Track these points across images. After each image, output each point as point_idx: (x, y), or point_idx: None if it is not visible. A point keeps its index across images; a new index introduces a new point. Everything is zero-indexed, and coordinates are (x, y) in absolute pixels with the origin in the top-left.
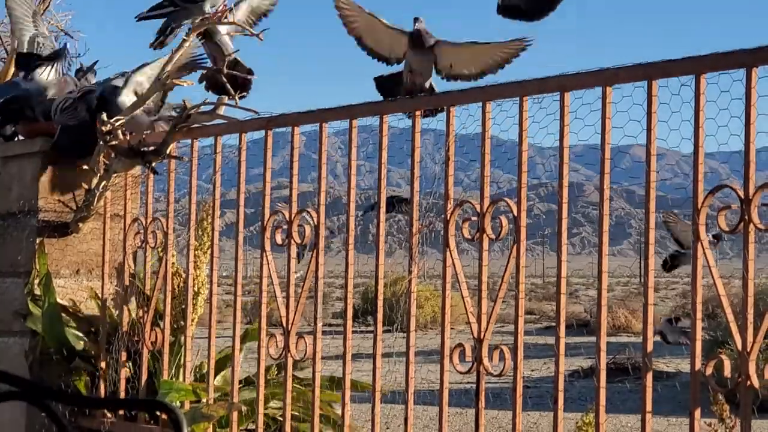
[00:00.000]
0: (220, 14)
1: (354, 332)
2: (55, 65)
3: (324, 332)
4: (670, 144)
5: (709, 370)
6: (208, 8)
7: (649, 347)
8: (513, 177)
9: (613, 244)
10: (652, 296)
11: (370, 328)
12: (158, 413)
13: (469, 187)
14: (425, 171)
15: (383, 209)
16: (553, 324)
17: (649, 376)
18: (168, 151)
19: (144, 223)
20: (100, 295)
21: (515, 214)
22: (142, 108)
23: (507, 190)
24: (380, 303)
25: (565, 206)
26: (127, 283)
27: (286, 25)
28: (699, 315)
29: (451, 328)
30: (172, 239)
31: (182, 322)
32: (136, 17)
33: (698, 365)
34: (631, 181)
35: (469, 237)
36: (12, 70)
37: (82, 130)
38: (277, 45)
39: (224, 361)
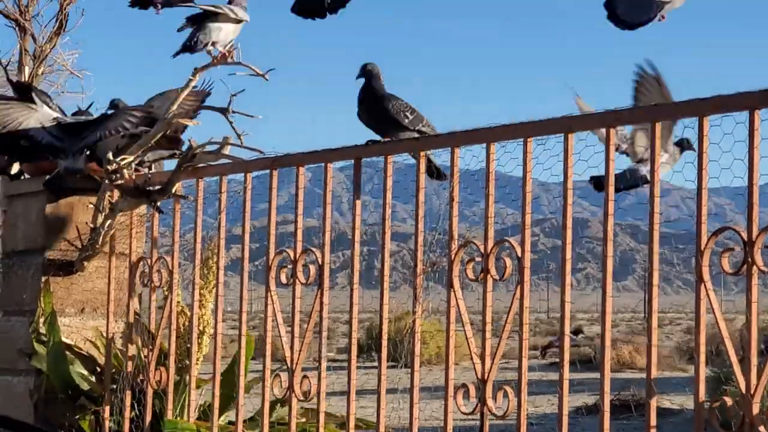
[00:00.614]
0: (226, 54)
1: (359, 368)
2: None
3: (328, 367)
4: (675, 181)
5: (713, 412)
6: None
7: (653, 369)
8: (517, 213)
9: (617, 280)
10: (655, 337)
11: (375, 364)
12: None
13: (474, 223)
14: (430, 206)
15: (387, 249)
16: (557, 360)
17: (653, 415)
18: (173, 190)
19: (149, 261)
20: (105, 334)
21: (519, 255)
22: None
23: (511, 226)
24: (384, 344)
25: (569, 248)
26: (131, 322)
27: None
28: (702, 358)
29: (456, 364)
30: (178, 278)
31: (187, 361)
32: (178, 29)
33: (702, 396)
34: (636, 217)
35: (474, 278)
36: None
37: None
38: (285, 79)
39: (229, 399)
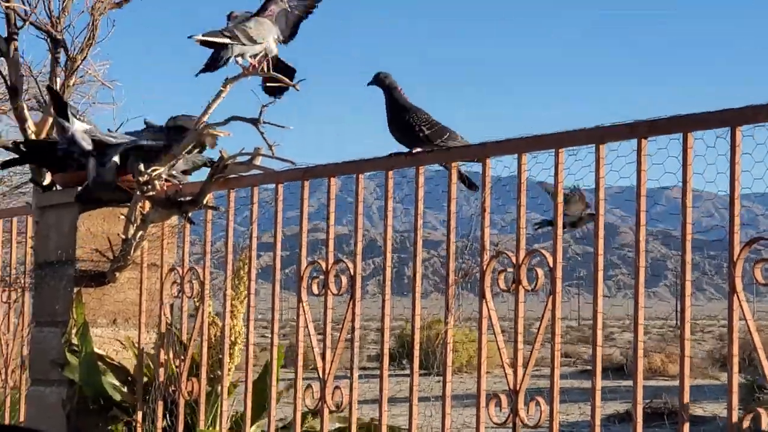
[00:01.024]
0: (255, 66)
1: (390, 375)
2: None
3: (359, 376)
4: (707, 186)
5: (746, 423)
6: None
7: (686, 394)
8: (547, 219)
9: (648, 287)
10: (688, 347)
11: (406, 372)
12: None
13: (503, 230)
14: (460, 212)
15: (419, 261)
16: (589, 368)
17: (687, 426)
18: (204, 201)
19: (181, 272)
20: (137, 345)
21: (550, 265)
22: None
23: (542, 233)
24: (416, 354)
25: (600, 259)
26: (163, 332)
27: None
28: (735, 369)
29: (487, 372)
30: (209, 288)
31: (219, 372)
32: (197, 39)
33: (735, 417)
34: (667, 223)
35: (505, 288)
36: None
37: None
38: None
39: (261, 409)
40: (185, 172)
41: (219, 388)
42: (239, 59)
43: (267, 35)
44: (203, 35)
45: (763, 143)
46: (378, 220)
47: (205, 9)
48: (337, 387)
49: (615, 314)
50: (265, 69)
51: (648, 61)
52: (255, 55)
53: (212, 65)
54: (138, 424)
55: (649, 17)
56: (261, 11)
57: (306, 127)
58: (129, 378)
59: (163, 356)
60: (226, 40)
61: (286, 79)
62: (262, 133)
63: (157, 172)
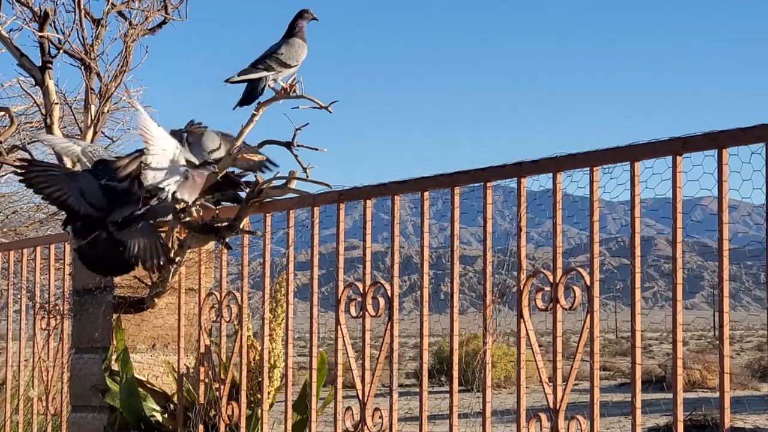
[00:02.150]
0: (288, 89)
1: (429, 392)
2: None
3: (399, 393)
4: (743, 195)
5: None
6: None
7: (726, 404)
8: (582, 233)
9: (685, 298)
10: (728, 363)
11: (443, 388)
12: None
13: (539, 244)
14: (495, 227)
15: (456, 281)
16: (627, 381)
17: None
18: (241, 226)
19: (218, 296)
20: (176, 369)
21: (587, 284)
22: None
23: (575, 246)
24: (455, 374)
25: (638, 276)
26: (203, 356)
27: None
28: None
29: (526, 388)
30: (247, 312)
31: (259, 395)
32: (233, 81)
33: None
34: (703, 234)
35: (543, 308)
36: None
37: None
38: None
39: (301, 430)
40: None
41: (259, 411)
42: (271, 83)
43: (299, 55)
44: (239, 75)
45: None
46: (413, 237)
47: (237, 31)
48: (377, 409)
49: (652, 326)
50: (297, 91)
51: (681, 79)
52: (287, 78)
53: (250, 98)
54: None
55: (682, 33)
56: (291, 30)
57: (339, 147)
58: (169, 403)
59: (203, 380)
60: (262, 74)
61: (319, 101)
62: (296, 156)
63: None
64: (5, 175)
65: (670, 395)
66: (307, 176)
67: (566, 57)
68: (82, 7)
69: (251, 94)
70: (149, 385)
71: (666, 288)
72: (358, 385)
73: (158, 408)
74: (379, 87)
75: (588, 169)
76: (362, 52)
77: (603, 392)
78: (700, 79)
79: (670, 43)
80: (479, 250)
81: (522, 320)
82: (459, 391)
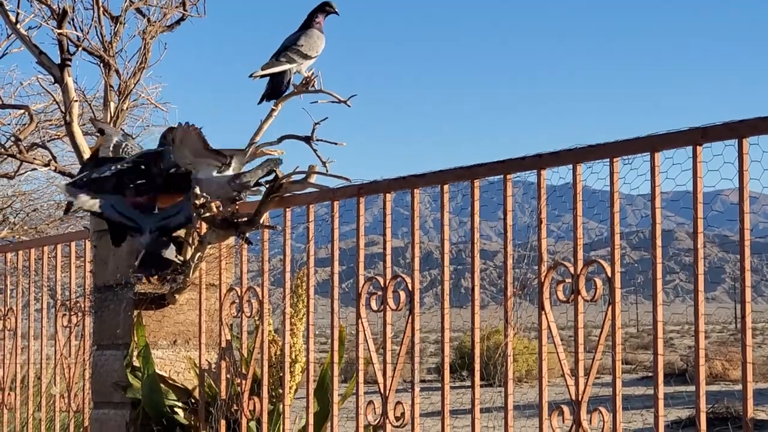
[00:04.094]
0: (307, 83)
1: (450, 388)
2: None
3: (420, 389)
4: (764, 189)
5: None
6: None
7: (749, 394)
8: (601, 226)
9: (707, 291)
10: (750, 354)
11: (465, 383)
12: None
13: (559, 238)
14: (515, 221)
15: (477, 275)
16: (649, 374)
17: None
18: (261, 221)
19: (239, 292)
20: (197, 365)
21: (608, 275)
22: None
23: (596, 240)
24: (477, 368)
25: (659, 267)
26: (224, 352)
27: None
28: None
29: (547, 381)
30: (268, 307)
31: (280, 390)
32: (258, 75)
33: None
34: (724, 225)
35: (564, 299)
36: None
37: None
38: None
39: (322, 424)
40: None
41: (281, 406)
42: (293, 75)
43: (318, 46)
44: (262, 68)
45: None
46: (433, 232)
47: (255, 24)
48: (398, 402)
49: (674, 319)
50: (316, 85)
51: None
52: (308, 69)
53: (276, 92)
54: None
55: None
56: (308, 21)
57: (358, 141)
58: (191, 398)
59: (224, 376)
60: (286, 66)
61: (338, 95)
62: (315, 151)
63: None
64: (25, 172)
65: (692, 388)
66: (327, 171)
67: (584, 52)
68: (100, 4)
69: (277, 88)
70: (171, 381)
71: (687, 280)
72: (380, 379)
73: (180, 404)
74: (403, 82)
75: (608, 160)
76: (384, 46)
77: (624, 386)
78: (721, 70)
79: (690, 33)
80: (499, 245)
81: (543, 312)
82: (480, 386)
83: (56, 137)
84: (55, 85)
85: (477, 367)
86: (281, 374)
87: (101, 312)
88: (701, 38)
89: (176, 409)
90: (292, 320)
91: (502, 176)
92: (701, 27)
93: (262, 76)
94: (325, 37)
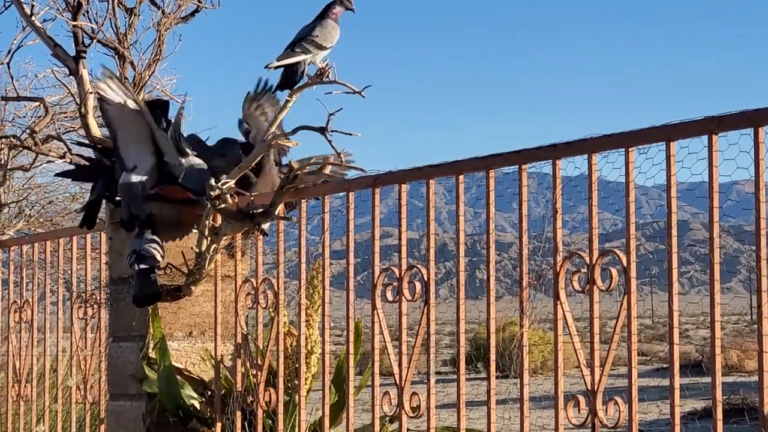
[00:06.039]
0: (321, 74)
1: (466, 379)
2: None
3: (435, 381)
4: None
5: None
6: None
7: (766, 384)
8: (616, 217)
9: (722, 282)
10: (767, 343)
11: (480, 375)
12: None
13: (573, 229)
14: (530, 212)
15: (492, 266)
16: (665, 365)
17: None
18: (276, 212)
19: (255, 283)
20: (213, 356)
21: (624, 265)
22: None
23: (613, 231)
24: (492, 358)
25: (675, 257)
26: (240, 343)
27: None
28: None
29: (563, 373)
30: (284, 299)
31: (296, 381)
32: (273, 66)
33: None
34: (739, 217)
35: (579, 289)
36: None
37: None
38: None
39: (337, 414)
40: None
41: (297, 397)
42: (307, 66)
43: (333, 37)
44: (278, 59)
45: None
46: (448, 224)
47: (269, 16)
48: (414, 393)
49: (689, 311)
50: (330, 76)
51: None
52: (323, 60)
53: (290, 82)
54: None
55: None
56: (324, 12)
57: (373, 132)
58: (207, 390)
59: (240, 367)
60: (301, 57)
61: (352, 86)
62: (330, 142)
63: (227, 185)
64: (40, 165)
65: (708, 379)
66: (342, 161)
67: (601, 40)
68: None
69: (291, 78)
70: (187, 373)
71: (702, 271)
72: (396, 370)
73: (196, 395)
74: (418, 71)
75: (623, 150)
76: (397, 35)
77: (640, 377)
78: (737, 57)
79: (705, 21)
80: (513, 236)
81: (558, 302)
82: (496, 377)
83: (71, 129)
84: (70, 77)
85: (492, 358)
86: (297, 366)
87: (117, 304)
88: (717, 24)
89: (192, 401)
90: (308, 312)
91: (516, 167)
92: (718, 12)
93: (277, 67)
94: (340, 28)
